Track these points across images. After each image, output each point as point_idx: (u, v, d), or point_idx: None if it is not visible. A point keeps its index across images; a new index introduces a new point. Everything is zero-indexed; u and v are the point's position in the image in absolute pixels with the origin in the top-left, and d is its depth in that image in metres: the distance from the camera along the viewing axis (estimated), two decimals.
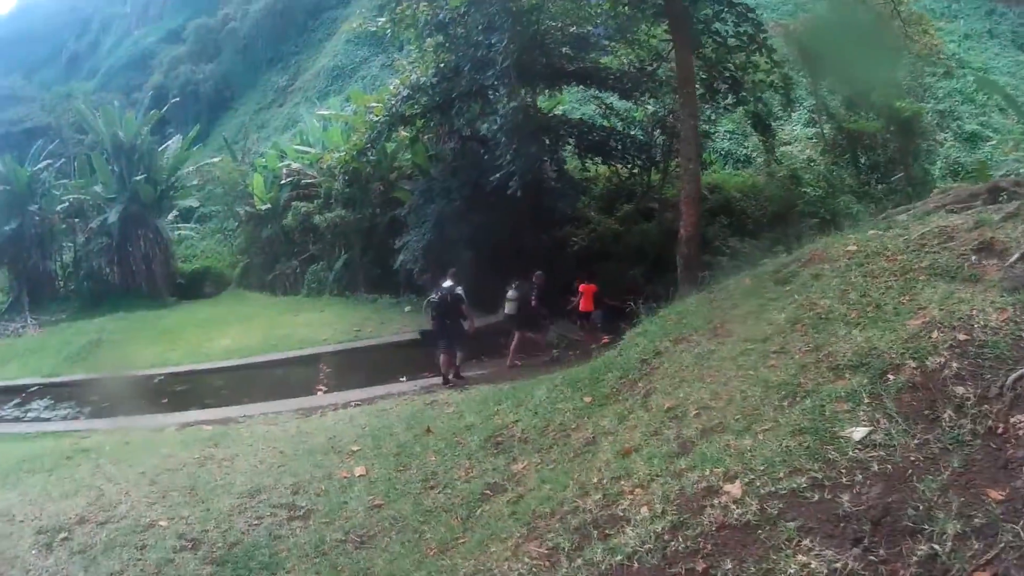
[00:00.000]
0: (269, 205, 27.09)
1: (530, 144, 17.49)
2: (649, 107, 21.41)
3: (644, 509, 4.81)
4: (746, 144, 26.02)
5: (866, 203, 20.09)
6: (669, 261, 16.33)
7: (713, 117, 20.71)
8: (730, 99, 18.48)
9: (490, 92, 18.63)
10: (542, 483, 6.84)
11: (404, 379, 15.36)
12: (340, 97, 32.90)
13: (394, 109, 19.14)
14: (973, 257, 6.17)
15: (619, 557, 4.42)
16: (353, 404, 13.13)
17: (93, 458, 10.88)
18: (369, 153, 21.19)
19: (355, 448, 10.07)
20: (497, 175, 17.21)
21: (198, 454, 10.47)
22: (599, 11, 17.52)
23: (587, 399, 8.70)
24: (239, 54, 50.09)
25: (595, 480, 5.85)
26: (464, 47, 17.74)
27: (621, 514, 4.93)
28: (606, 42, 19.70)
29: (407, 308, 21.26)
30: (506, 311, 16.10)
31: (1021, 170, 16.97)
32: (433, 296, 15.00)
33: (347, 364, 17.31)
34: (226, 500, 8.66)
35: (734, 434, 5.30)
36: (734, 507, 4.37)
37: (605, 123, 21.90)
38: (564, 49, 19.48)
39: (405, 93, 19.00)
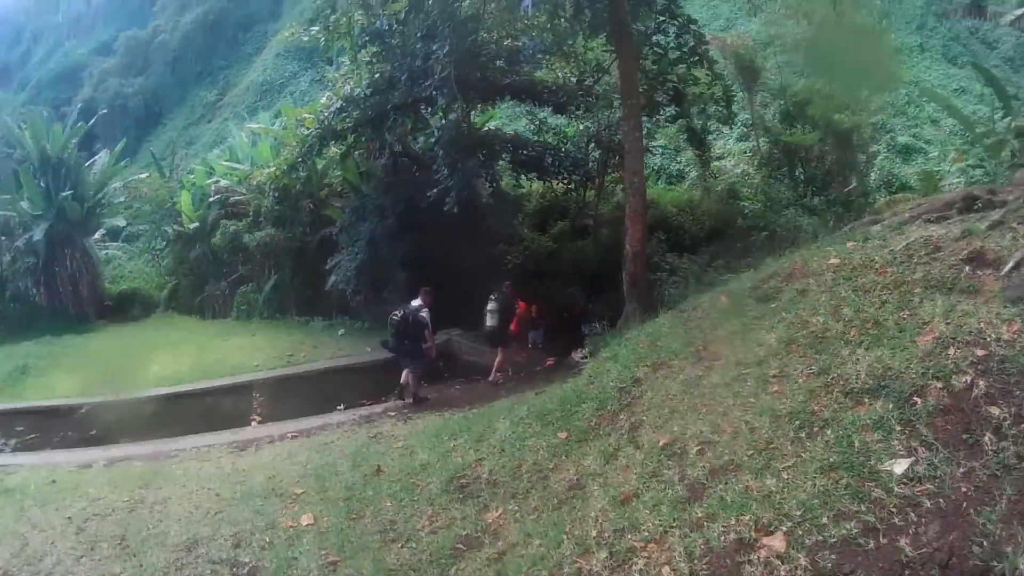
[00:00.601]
0: (197, 224, 25.89)
1: (467, 159, 16.75)
2: (583, 122, 20.95)
3: (666, 570, 4.43)
4: (679, 159, 25.87)
5: (807, 216, 19.82)
6: (608, 279, 16.16)
7: (651, 131, 20.17)
8: (671, 112, 17.99)
9: (424, 106, 18.04)
10: (527, 536, 6.18)
11: (342, 407, 14.40)
12: (269, 112, 32.09)
13: (326, 122, 18.34)
14: (966, 268, 6.06)
15: None
16: (290, 436, 12.22)
17: (18, 499, 9.85)
18: (300, 168, 20.22)
19: (298, 491, 9.11)
20: (433, 191, 16.45)
21: (128, 496, 9.46)
22: (535, 23, 16.90)
23: (562, 435, 7.89)
24: (168, 68, 48.68)
25: (594, 534, 5.37)
26: (400, 57, 16.87)
27: None
28: (541, 56, 18.94)
29: (341, 332, 20.40)
30: (487, 324, 15.42)
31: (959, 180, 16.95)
32: (395, 314, 14.41)
33: (281, 392, 16.34)
34: (160, 554, 7.73)
35: (752, 473, 4.99)
36: (779, 563, 4.07)
37: (538, 139, 21.31)
38: (498, 63, 18.79)
39: (338, 105, 18.20)
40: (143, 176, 30.25)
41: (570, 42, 17.55)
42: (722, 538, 4.40)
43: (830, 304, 6.55)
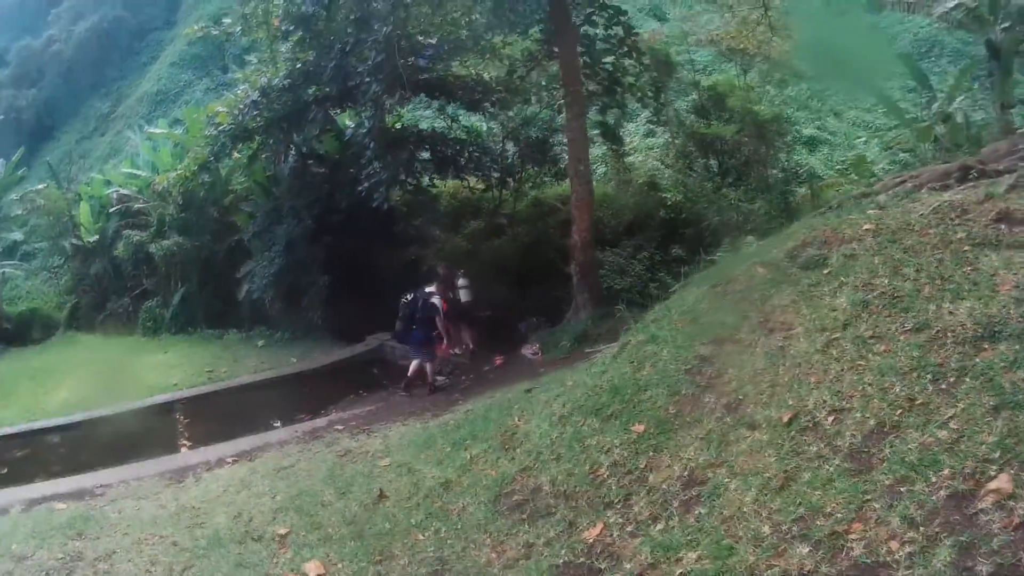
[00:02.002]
0: (97, 236, 23.90)
1: (397, 151, 15.70)
2: (497, 120, 19.98)
3: (893, 545, 3.95)
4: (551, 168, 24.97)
5: (731, 206, 19.48)
6: (531, 276, 15.87)
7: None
8: (604, 101, 17.24)
9: (348, 100, 16.76)
10: (667, 551, 4.95)
11: (279, 424, 12.96)
12: (167, 121, 29.94)
13: (240, 117, 16.86)
14: (1002, 226, 6.06)
15: None
16: (229, 461, 10.54)
17: None
18: (211, 167, 18.70)
19: (282, 531, 7.38)
20: (362, 186, 15.38)
21: (60, 553, 7.39)
22: (451, 20, 16.01)
23: (636, 428, 6.52)
24: (62, 78, 45.42)
25: (767, 530, 4.57)
26: (327, 44, 15.67)
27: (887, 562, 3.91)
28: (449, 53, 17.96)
29: (260, 342, 18.87)
30: (462, 300, 14.96)
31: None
32: (406, 296, 13.70)
33: (207, 412, 14.78)
34: None
35: (916, 430, 4.59)
36: (1013, 503, 3.78)
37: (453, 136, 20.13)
38: (411, 59, 17.58)
39: (254, 97, 16.70)
40: (40, 187, 27.91)
41: (488, 37, 16.66)
42: (934, 497, 4.07)
43: (887, 266, 6.26)
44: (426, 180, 19.01)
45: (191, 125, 21.90)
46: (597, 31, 15.99)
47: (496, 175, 19.59)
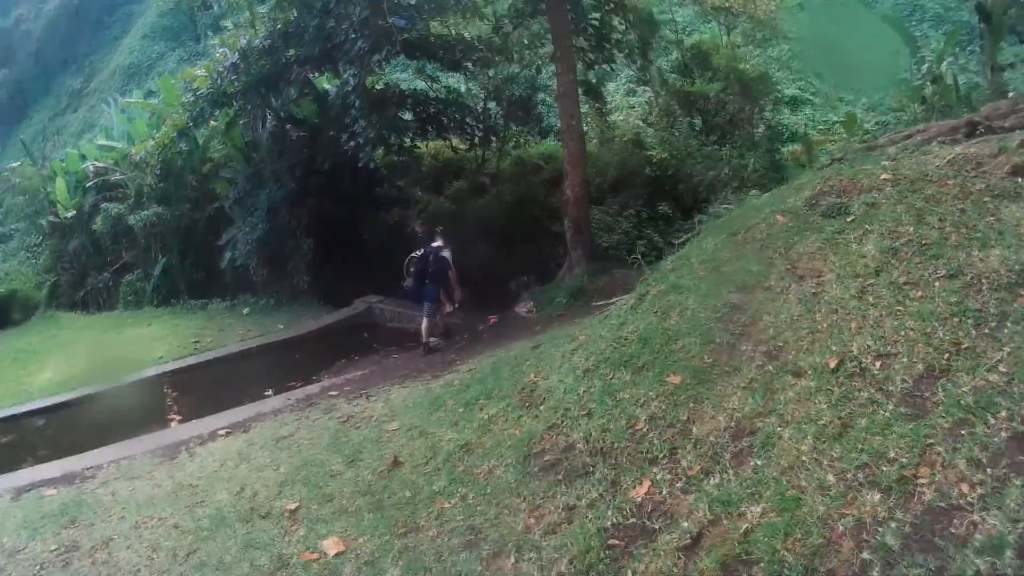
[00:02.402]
0: (74, 212, 23.10)
1: (383, 109, 15.23)
2: (479, 79, 19.52)
3: (963, 488, 3.79)
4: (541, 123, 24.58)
5: (719, 163, 19.21)
6: (516, 234, 15.65)
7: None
8: (591, 58, 16.76)
9: (329, 61, 16.18)
10: (727, 506, 4.56)
11: (271, 393, 12.34)
12: (141, 92, 29.16)
13: (219, 80, 16.25)
14: (1019, 179, 6.06)
15: None
16: (223, 433, 9.94)
17: None
18: (191, 134, 18.09)
19: (291, 506, 6.83)
20: (351, 144, 14.77)
21: (55, 543, 6.86)
22: None
23: (673, 379, 6.03)
24: (32, 57, 44.54)
25: (832, 478, 4.33)
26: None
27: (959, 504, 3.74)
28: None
29: (246, 310, 18.23)
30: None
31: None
32: (414, 254, 13.37)
33: (195, 384, 14.14)
34: None
35: (966, 374, 4.46)
36: None
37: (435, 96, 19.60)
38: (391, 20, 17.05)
39: (234, 59, 16.05)
40: (14, 165, 27.07)
41: None
42: (995, 438, 3.95)
43: (910, 214, 6.20)
44: (407, 141, 18.49)
45: (167, 94, 21.22)
46: None
47: (479, 135, 19.12)
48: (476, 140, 19.30)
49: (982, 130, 8.15)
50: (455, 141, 19.63)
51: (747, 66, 21.02)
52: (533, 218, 17.34)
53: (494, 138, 19.28)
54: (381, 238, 16.75)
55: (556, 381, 7.42)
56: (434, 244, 13.23)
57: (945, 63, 15.22)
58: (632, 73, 24.38)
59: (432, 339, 13.26)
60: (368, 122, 14.53)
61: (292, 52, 16.11)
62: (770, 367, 5.54)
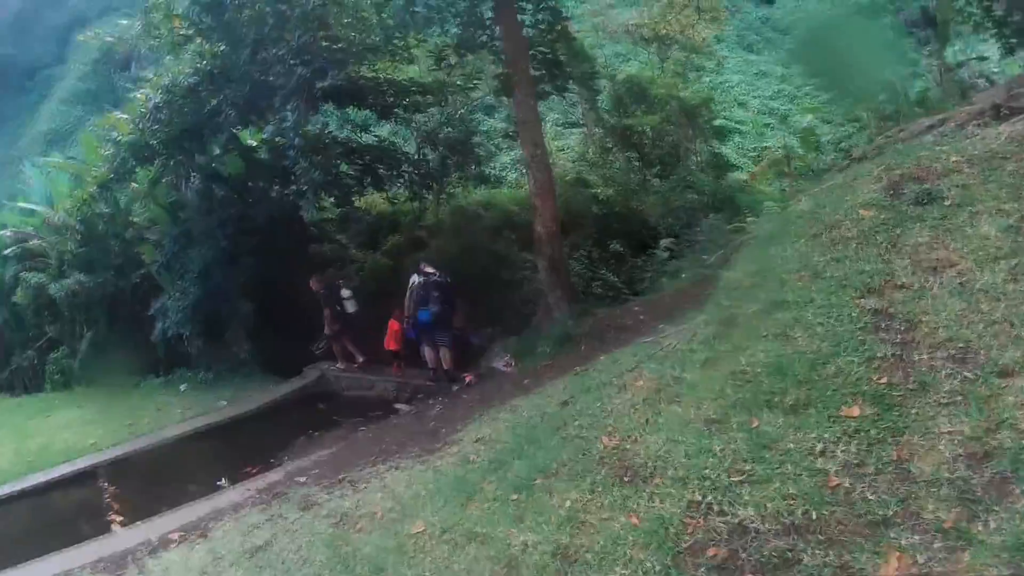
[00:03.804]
0: None
1: (325, 154, 13.53)
2: (411, 125, 17.79)
3: None
4: (492, 164, 23.05)
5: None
6: (465, 287, 13.68)
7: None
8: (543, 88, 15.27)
9: (265, 97, 14.17)
10: None
11: (225, 482, 10.26)
12: (61, 156, 26.71)
13: (141, 125, 14.24)
14: None
15: None
16: (176, 538, 7.92)
17: None
18: (112, 187, 15.76)
19: None
20: (293, 188, 13.73)
21: None
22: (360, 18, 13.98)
23: (848, 411, 4.70)
24: None
25: None
26: (244, 27, 13.25)
27: None
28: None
29: (183, 386, 15.84)
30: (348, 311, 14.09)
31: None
32: (433, 277, 12.25)
33: (135, 474, 11.86)
34: None
35: None
36: None
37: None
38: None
39: (156, 100, 14.03)
40: None
41: (399, 37, 14.51)
42: None
43: (1006, 191, 5.93)
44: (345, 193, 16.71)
45: (87, 152, 18.93)
46: (525, 17, 13.97)
47: (417, 184, 17.46)
48: (413, 191, 17.55)
49: (1006, 111, 8.10)
50: (392, 192, 17.89)
51: (688, 94, 19.87)
52: (481, 267, 15.71)
53: (434, 184, 17.46)
54: (315, 301, 14.86)
55: (662, 442, 5.56)
56: (426, 269, 12.38)
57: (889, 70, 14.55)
58: (558, 116, 23.20)
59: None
60: (309, 163, 12.80)
61: (216, 100, 14.20)
62: (967, 373, 4.57)
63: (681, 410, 5.79)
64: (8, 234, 20.64)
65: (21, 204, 21.96)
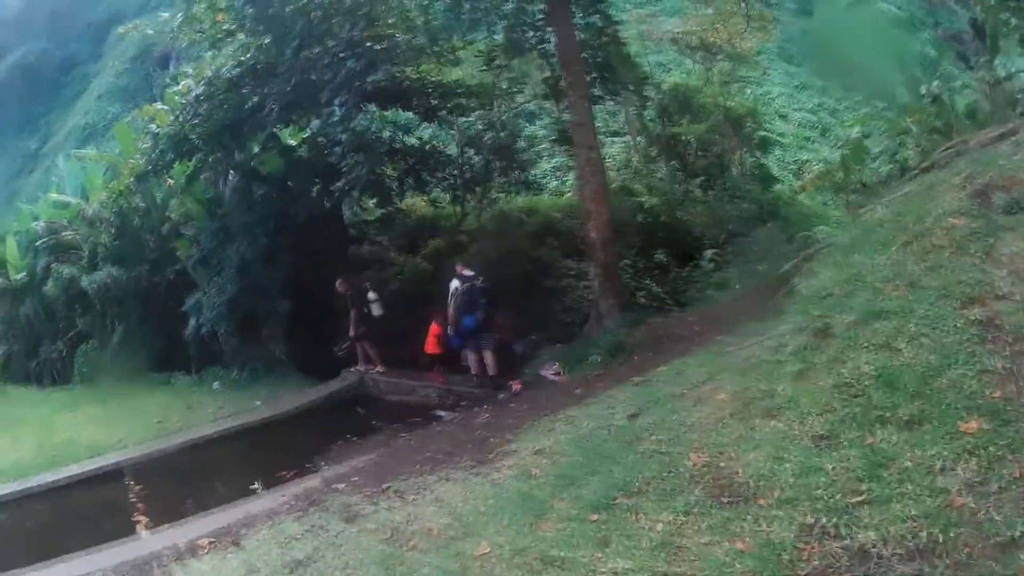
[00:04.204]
0: (25, 275, 19.92)
1: (373, 151, 13.00)
2: (455, 127, 17.11)
3: None
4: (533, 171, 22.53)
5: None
6: (508, 293, 13.33)
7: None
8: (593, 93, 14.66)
9: (310, 94, 13.66)
10: None
11: (259, 487, 9.44)
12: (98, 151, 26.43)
13: (181, 117, 13.72)
14: None
15: None
16: (206, 545, 7.21)
17: None
18: (149, 180, 15.28)
19: None
20: (335, 188, 12.91)
21: None
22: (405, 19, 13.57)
23: (966, 427, 4.41)
24: None
25: None
26: (290, 21, 12.85)
27: None
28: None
29: (215, 385, 15.19)
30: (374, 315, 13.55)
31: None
32: (476, 282, 11.68)
33: (163, 475, 11.23)
34: None
35: None
36: None
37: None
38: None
39: (197, 91, 13.54)
40: None
41: (444, 39, 14.16)
42: None
43: None
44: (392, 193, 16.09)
45: (124, 144, 18.35)
46: (576, 20, 13.48)
47: (460, 187, 16.78)
48: (457, 193, 16.88)
49: None
50: (434, 195, 17.31)
51: (735, 103, 19.19)
52: (523, 274, 15.09)
53: (477, 188, 16.80)
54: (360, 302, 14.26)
55: (764, 459, 5.13)
56: (465, 273, 11.83)
57: (935, 84, 14.28)
58: (599, 125, 22.61)
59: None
60: (356, 160, 12.20)
61: (257, 96, 13.66)
62: None
63: (783, 425, 5.41)
64: (40, 225, 20.19)
65: (54, 196, 21.52)
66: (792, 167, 23.91)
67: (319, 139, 14.70)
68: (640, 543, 4.77)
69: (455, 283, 11.84)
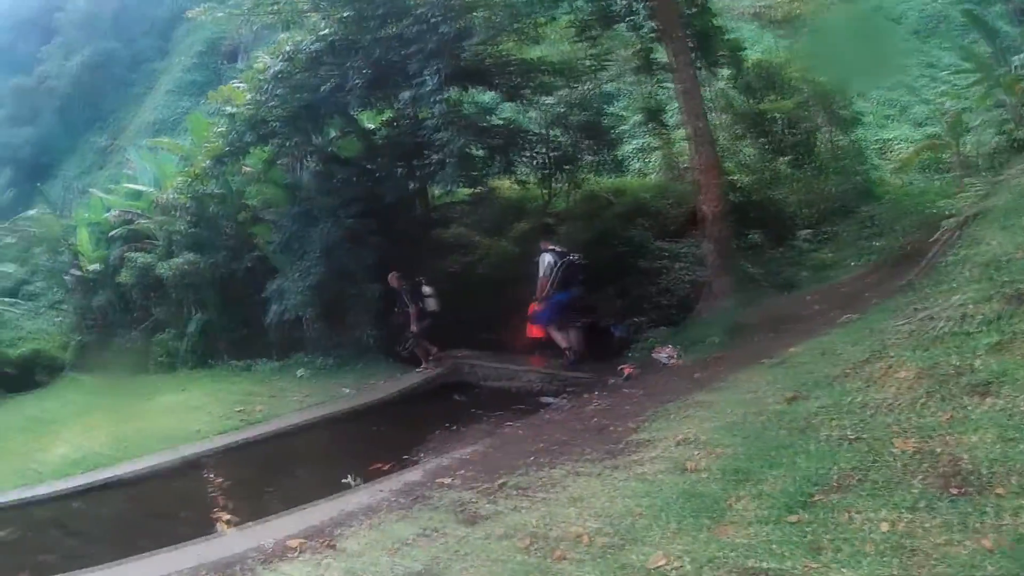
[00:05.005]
0: (99, 265, 19.42)
1: (466, 124, 12.08)
2: (539, 107, 15.82)
3: None
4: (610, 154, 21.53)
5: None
6: (601, 275, 12.95)
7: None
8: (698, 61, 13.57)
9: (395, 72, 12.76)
10: None
11: (352, 480, 8.44)
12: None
13: (261, 97, 12.88)
14: None
15: None
16: (296, 546, 6.21)
17: None
18: (226, 162, 14.22)
19: None
20: (424, 161, 12.09)
21: None
22: None
23: None
24: (57, 115, 40.86)
25: None
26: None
27: None
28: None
29: (300, 372, 14.17)
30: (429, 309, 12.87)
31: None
32: (569, 257, 11.30)
33: (246, 467, 10.36)
34: None
35: None
36: None
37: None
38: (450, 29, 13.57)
39: (277, 68, 12.61)
40: (31, 213, 23.27)
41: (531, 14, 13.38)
42: None
43: None
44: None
45: (196, 134, 17.63)
46: None
47: (549, 167, 15.71)
48: (546, 173, 15.82)
49: None
50: (521, 176, 16.20)
51: (824, 79, 17.85)
52: (616, 256, 14.15)
53: (568, 167, 15.70)
54: (442, 288, 13.45)
55: (990, 441, 4.31)
56: (556, 249, 11.42)
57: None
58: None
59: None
60: (450, 134, 11.32)
61: (336, 76, 12.71)
62: None
63: (1002, 402, 4.60)
64: (113, 214, 19.66)
65: (127, 186, 20.96)
66: (875, 147, 22.55)
67: (406, 116, 14.01)
68: (863, 548, 3.80)
69: (548, 257, 11.23)
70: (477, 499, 6.41)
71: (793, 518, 4.28)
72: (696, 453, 5.88)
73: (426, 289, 12.85)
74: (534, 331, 11.59)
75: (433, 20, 11.19)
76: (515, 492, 6.36)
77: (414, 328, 12.71)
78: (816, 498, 4.40)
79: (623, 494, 5.56)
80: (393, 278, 12.82)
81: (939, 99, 21.55)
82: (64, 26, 44.44)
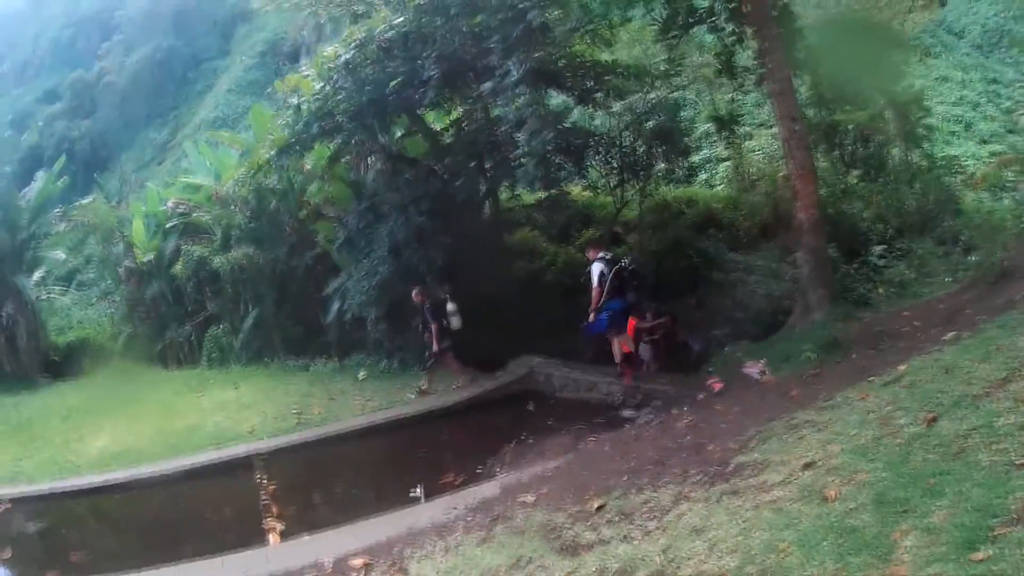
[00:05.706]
0: (153, 256, 18.82)
1: (548, 120, 10.96)
2: (610, 111, 14.95)
3: None
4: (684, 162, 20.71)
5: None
6: (669, 286, 12.56)
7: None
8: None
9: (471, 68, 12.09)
10: None
11: (420, 493, 7.80)
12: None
13: (329, 86, 12.16)
14: None
15: None
16: (360, 567, 5.41)
17: None
18: (292, 152, 13.45)
19: None
20: (518, 151, 11.14)
21: None
22: None
23: None
24: (116, 110, 41.00)
25: None
26: None
27: None
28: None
29: (361, 374, 13.36)
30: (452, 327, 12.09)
31: None
32: (603, 267, 10.43)
33: (302, 472, 9.66)
34: None
35: None
36: None
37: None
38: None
39: (347, 56, 11.85)
40: (86, 201, 22.68)
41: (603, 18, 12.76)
42: None
43: None
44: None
45: (258, 127, 16.91)
46: None
47: (624, 172, 14.76)
48: (617, 179, 14.87)
49: None
50: (593, 181, 15.39)
51: (902, 88, 16.99)
52: (689, 267, 13.47)
53: (642, 173, 14.80)
54: (509, 293, 12.81)
55: None
56: (606, 256, 10.63)
57: None
58: (744, 116, 20.62)
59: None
60: (533, 129, 10.62)
61: (406, 70, 12.00)
62: None
63: None
64: (169, 205, 19.05)
65: (185, 179, 20.40)
66: (940, 164, 21.57)
67: (477, 115, 13.35)
68: None
69: (598, 266, 10.49)
70: (571, 523, 5.50)
71: (977, 556, 3.42)
72: (831, 480, 4.93)
73: (450, 307, 12.19)
74: (625, 347, 10.73)
75: (521, 6, 10.37)
76: (617, 518, 5.42)
77: (435, 347, 11.95)
78: (998, 531, 3.54)
79: (756, 526, 4.62)
80: (416, 293, 12.16)
81: (1005, 115, 20.58)
82: (124, 23, 44.81)
